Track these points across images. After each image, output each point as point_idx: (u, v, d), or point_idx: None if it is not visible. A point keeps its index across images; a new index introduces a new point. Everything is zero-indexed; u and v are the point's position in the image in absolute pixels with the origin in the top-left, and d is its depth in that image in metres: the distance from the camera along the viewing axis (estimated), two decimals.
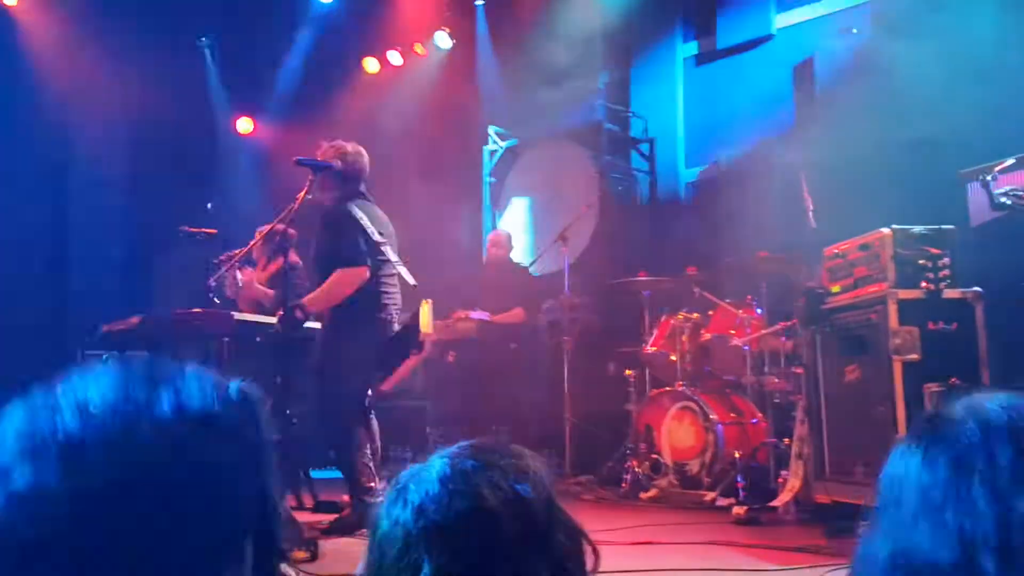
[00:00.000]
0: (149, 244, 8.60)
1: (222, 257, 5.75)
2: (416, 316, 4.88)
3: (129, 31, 8.31)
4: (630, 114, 8.39)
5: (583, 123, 8.43)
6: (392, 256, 4.94)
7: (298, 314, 4.75)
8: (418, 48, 9.20)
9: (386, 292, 4.99)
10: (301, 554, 3.97)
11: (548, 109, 8.80)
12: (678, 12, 8.43)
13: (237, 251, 5.73)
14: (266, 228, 5.85)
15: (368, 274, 4.83)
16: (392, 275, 5.02)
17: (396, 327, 5.05)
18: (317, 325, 5.22)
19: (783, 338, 5.92)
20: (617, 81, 8.76)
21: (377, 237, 4.88)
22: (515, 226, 8.39)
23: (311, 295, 4.92)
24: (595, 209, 7.60)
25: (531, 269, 7.71)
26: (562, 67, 8.43)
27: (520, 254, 8.21)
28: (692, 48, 8.37)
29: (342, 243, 4.85)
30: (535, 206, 8.71)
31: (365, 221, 4.87)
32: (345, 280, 4.84)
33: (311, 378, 5.15)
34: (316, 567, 3.93)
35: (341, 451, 4.89)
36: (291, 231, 5.47)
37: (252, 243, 5.71)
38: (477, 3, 9.22)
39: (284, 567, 1.34)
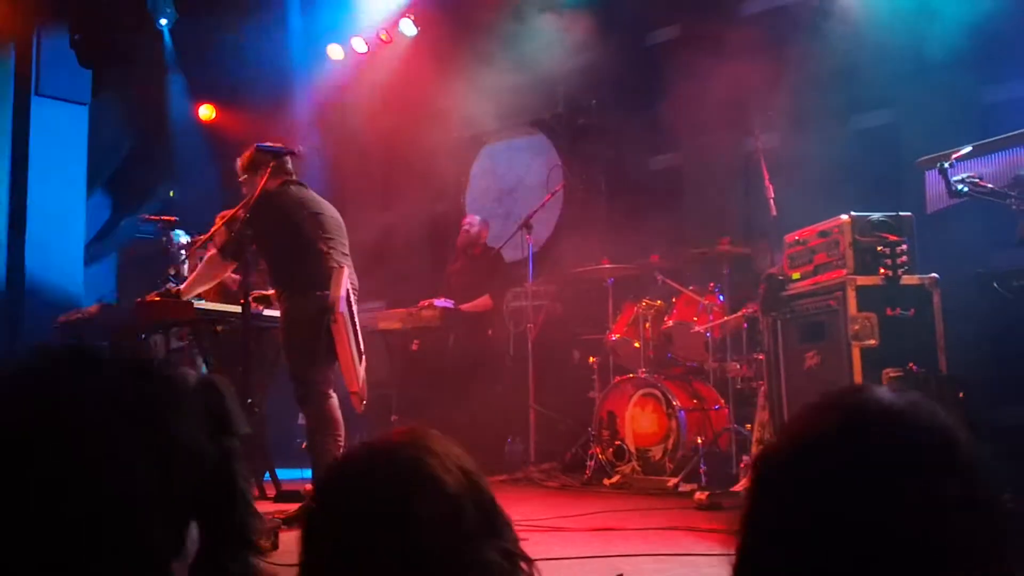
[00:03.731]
0: (110, 231, 8.49)
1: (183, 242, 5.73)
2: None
3: (89, 11, 8.18)
4: (594, 102, 8.38)
5: (547, 110, 8.43)
6: (310, 237, 4.93)
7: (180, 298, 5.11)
8: (383, 35, 9.13)
9: (327, 271, 4.93)
10: (263, 544, 3.95)
11: (513, 96, 8.79)
12: None
13: (199, 237, 5.71)
14: (228, 214, 5.84)
15: (230, 268, 5.03)
16: (327, 254, 4.97)
17: (354, 306, 5.04)
18: (276, 313, 5.21)
19: (745, 324, 5.98)
20: (582, 68, 8.76)
21: (305, 221, 4.92)
22: (481, 213, 8.36)
23: (187, 280, 5.23)
24: (559, 197, 7.60)
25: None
26: (527, 54, 8.42)
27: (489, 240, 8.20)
28: (657, 35, 8.37)
29: (232, 233, 4.96)
30: (500, 193, 8.70)
31: (294, 207, 4.96)
32: (211, 266, 5.14)
33: (277, 366, 5.18)
34: (277, 556, 3.91)
35: (314, 431, 4.88)
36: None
37: (213, 230, 5.67)
38: None
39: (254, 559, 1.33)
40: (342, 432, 4.90)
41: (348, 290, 4.86)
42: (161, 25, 9.05)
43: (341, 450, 4.85)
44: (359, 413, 5.14)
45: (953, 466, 0.92)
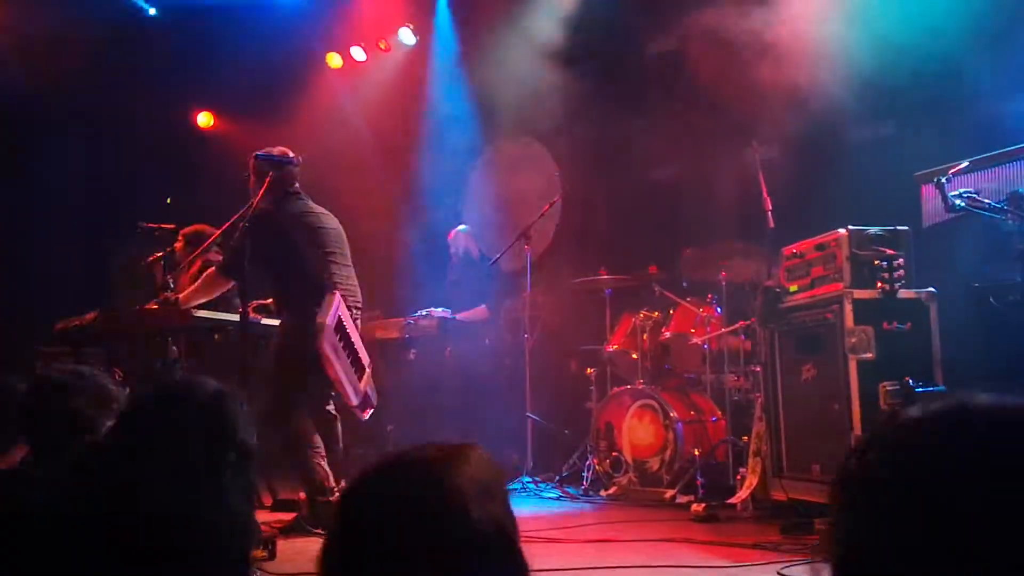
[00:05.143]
0: (107, 239, 8.48)
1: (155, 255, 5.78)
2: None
3: (88, 20, 8.19)
4: (592, 113, 8.37)
5: (546, 121, 8.44)
6: (308, 257, 4.92)
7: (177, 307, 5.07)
8: (381, 44, 9.16)
9: (324, 287, 4.93)
10: (259, 553, 3.95)
11: (512, 106, 8.80)
12: (644, 8, 8.44)
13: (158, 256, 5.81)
14: (189, 231, 5.98)
15: (230, 284, 5.05)
16: (326, 275, 4.97)
17: (356, 321, 5.05)
18: (276, 322, 5.22)
19: (742, 337, 6.00)
20: (580, 79, 8.77)
21: (303, 237, 4.92)
22: (478, 223, 8.38)
23: (186, 291, 5.17)
24: (557, 207, 7.61)
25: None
26: (526, 64, 8.43)
27: (485, 250, 8.22)
28: (655, 46, 8.38)
29: (231, 247, 4.96)
30: (498, 203, 8.71)
31: (293, 225, 4.96)
32: (213, 282, 5.11)
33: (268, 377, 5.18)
34: (274, 566, 3.91)
35: (288, 450, 4.89)
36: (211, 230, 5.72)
37: (211, 238, 5.68)
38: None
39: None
40: (320, 443, 4.90)
41: (340, 316, 4.80)
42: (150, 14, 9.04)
43: (324, 460, 4.86)
44: (363, 420, 5.16)
45: None
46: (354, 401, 4.89)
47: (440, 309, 7.43)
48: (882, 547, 0.92)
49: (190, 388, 1.56)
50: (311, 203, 5.16)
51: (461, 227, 7.98)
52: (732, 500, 5.30)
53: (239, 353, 4.72)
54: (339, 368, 4.74)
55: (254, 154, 5.08)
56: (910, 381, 4.43)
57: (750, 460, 5.31)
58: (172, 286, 5.26)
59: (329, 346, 4.63)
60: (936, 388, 4.47)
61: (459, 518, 1.09)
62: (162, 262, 5.81)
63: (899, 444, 0.96)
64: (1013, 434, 0.91)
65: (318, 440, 4.89)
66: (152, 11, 9.20)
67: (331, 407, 5.12)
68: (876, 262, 4.63)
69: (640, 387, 6.31)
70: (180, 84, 9.22)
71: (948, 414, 0.95)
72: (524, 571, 1.17)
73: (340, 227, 5.22)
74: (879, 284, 4.59)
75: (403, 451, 1.20)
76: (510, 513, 1.17)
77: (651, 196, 7.89)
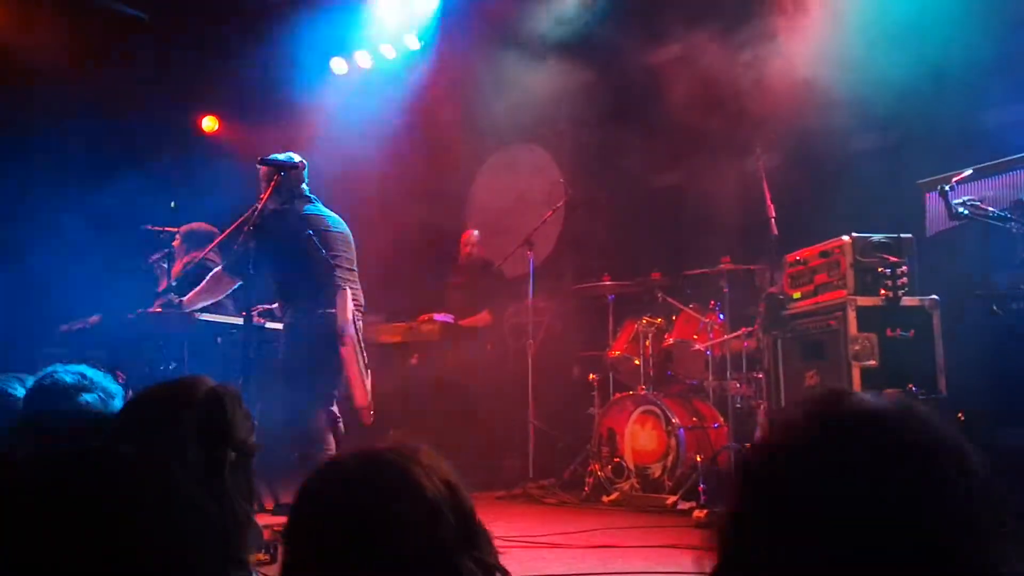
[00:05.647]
0: (111, 242, 8.50)
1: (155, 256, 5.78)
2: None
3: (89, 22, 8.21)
4: (596, 119, 8.40)
5: (549, 127, 8.46)
6: (316, 256, 4.93)
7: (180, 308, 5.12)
8: (387, 50, 9.18)
9: (332, 289, 4.94)
10: (261, 556, 3.95)
11: (515, 111, 8.81)
12: (649, 16, 8.45)
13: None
14: (186, 229, 5.98)
15: (236, 284, 5.06)
16: (331, 275, 4.98)
17: (359, 323, 5.06)
18: (279, 326, 5.22)
19: (744, 343, 6.00)
20: (584, 85, 8.79)
21: (305, 237, 4.93)
22: (482, 228, 8.38)
23: (191, 293, 5.18)
24: (560, 213, 7.62)
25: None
26: (530, 70, 8.45)
27: (488, 255, 8.23)
28: (660, 53, 8.40)
29: (234, 249, 4.98)
30: (502, 209, 8.72)
31: (299, 225, 4.94)
32: (219, 282, 5.12)
33: (275, 379, 5.17)
34: (276, 569, 3.91)
35: (302, 449, 4.88)
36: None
37: (214, 242, 5.68)
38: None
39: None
40: (332, 448, 4.91)
41: (353, 311, 4.86)
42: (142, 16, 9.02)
43: None
44: (367, 425, 5.15)
45: (938, 468, 0.93)
46: (364, 401, 4.90)
47: (442, 314, 7.45)
48: (762, 542, 0.97)
49: (189, 388, 1.58)
50: (320, 206, 5.16)
51: (474, 230, 8.02)
52: None
53: (241, 355, 4.72)
54: (357, 363, 4.78)
55: (261, 158, 5.09)
56: (913, 388, 4.44)
57: None
58: (174, 289, 5.27)
59: (351, 344, 4.68)
60: (938, 396, 4.47)
61: (414, 490, 1.18)
62: (164, 263, 5.82)
63: (780, 445, 1.01)
64: (878, 437, 0.95)
65: (331, 443, 4.89)
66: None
67: (334, 408, 5.14)
68: (880, 269, 4.63)
69: (642, 393, 6.30)
70: (185, 88, 9.25)
71: (823, 416, 1.00)
72: (485, 536, 1.25)
73: (348, 231, 5.21)
74: (882, 291, 4.59)
75: (356, 448, 1.31)
76: (464, 493, 1.25)
77: (654, 202, 7.90)
